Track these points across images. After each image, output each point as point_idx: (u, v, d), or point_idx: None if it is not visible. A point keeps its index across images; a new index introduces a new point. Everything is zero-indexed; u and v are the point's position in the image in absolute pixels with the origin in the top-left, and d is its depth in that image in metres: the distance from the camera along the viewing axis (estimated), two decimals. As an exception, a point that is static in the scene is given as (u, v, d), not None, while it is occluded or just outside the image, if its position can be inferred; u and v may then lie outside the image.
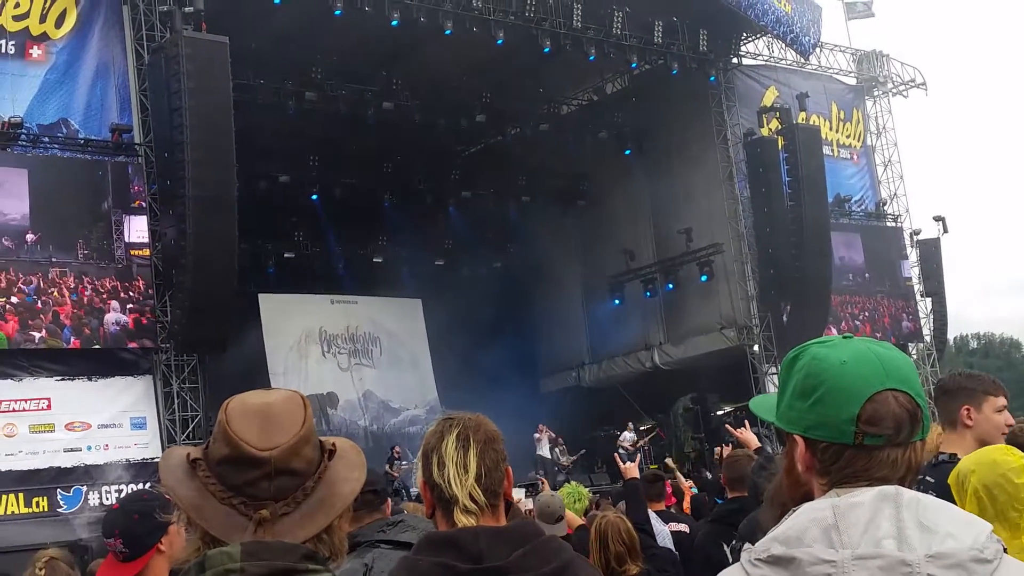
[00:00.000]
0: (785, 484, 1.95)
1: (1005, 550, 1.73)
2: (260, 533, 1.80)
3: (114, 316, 16.88)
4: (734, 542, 6.39)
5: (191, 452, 1.89)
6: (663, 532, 8.08)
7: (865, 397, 1.77)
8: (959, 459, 3.77)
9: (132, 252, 17.22)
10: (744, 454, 6.97)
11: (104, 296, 16.88)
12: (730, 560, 6.19)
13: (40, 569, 4.05)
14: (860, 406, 1.77)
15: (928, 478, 3.97)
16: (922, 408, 1.80)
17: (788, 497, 1.94)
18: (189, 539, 1.87)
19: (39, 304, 16.40)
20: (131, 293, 17.12)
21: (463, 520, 2.48)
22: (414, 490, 17.83)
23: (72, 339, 16.59)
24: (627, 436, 23.97)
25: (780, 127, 23.44)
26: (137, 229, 17.26)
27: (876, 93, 28.13)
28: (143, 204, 17.39)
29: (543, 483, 13.88)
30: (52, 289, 16.51)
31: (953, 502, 3.48)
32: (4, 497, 15.32)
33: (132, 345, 17.19)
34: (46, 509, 15.69)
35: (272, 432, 1.84)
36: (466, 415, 2.63)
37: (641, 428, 26.70)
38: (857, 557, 1.67)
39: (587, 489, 9.53)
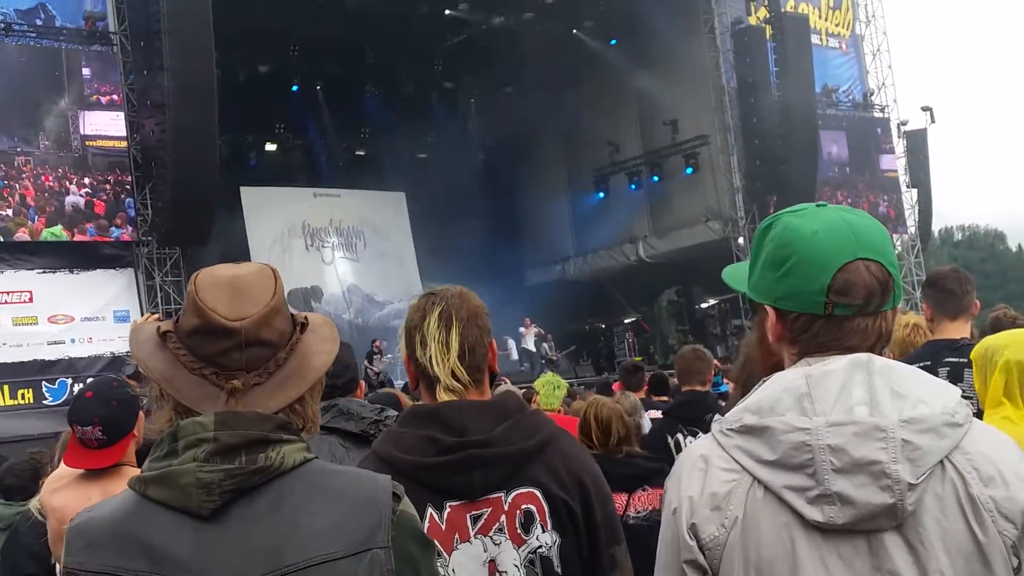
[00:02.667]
0: (757, 355, 1.95)
1: (979, 416, 1.74)
2: (232, 403, 1.79)
3: (72, 199, 16.77)
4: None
5: (161, 325, 1.88)
6: (644, 419, 8.19)
7: (836, 267, 1.75)
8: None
9: (88, 143, 16.98)
10: (689, 349, 7.05)
11: (64, 182, 16.76)
12: (674, 453, 6.30)
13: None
14: (831, 276, 1.75)
15: (952, 359, 4.13)
16: (894, 277, 1.78)
17: (759, 368, 1.93)
18: (161, 410, 1.86)
19: (6, 190, 16.29)
20: (87, 180, 16.96)
21: (445, 397, 2.48)
22: (399, 382, 18.00)
23: (37, 218, 16.46)
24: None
25: (768, 15, 23.11)
26: (93, 123, 16.98)
27: (866, -20, 27.69)
28: (113, 98, 17.09)
29: (505, 380, 13.95)
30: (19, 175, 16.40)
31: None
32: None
33: (108, 239, 17.08)
34: (31, 401, 15.79)
35: (242, 303, 1.82)
36: (449, 289, 2.62)
37: (627, 321, 26.91)
38: (831, 424, 1.67)
39: (572, 381, 9.61)
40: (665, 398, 8.81)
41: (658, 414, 8.10)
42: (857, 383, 1.71)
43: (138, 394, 3.81)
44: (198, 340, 1.81)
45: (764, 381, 1.80)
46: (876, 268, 1.77)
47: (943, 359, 4.19)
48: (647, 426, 7.88)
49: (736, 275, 2.02)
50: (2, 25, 16.42)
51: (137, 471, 3.45)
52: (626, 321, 26.95)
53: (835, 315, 1.77)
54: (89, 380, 15.97)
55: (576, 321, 27.33)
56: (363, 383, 3.87)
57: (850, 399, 1.70)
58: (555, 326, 25.33)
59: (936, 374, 3.73)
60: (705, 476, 1.76)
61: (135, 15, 16.79)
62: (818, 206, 1.86)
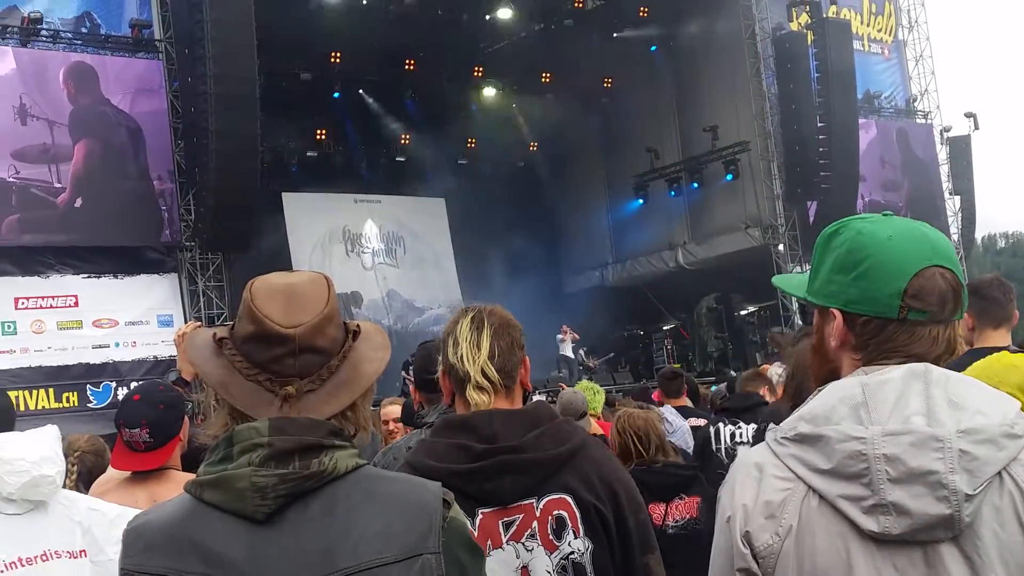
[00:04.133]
0: (814, 362, 1.94)
1: None
2: (286, 409, 1.82)
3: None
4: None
5: (217, 331, 1.91)
6: (683, 427, 8.17)
7: (912, 272, 1.76)
8: None
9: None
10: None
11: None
12: (718, 446, 6.36)
13: (72, 464, 4.11)
14: (907, 281, 1.76)
15: None
16: (963, 287, 1.79)
17: (814, 375, 1.93)
18: (216, 416, 1.89)
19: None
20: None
21: (475, 397, 2.51)
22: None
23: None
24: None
25: (810, 21, 22.96)
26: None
27: (909, -15, 27.46)
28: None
29: (562, 387, 14.01)
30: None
31: None
32: (36, 392, 15.59)
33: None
34: (76, 404, 15.99)
35: (296, 310, 1.85)
36: (484, 304, 2.68)
37: (665, 328, 26.80)
38: (887, 433, 1.67)
39: (610, 388, 9.62)
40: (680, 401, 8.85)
41: (700, 422, 8.08)
42: (914, 392, 1.71)
43: (185, 398, 3.85)
44: (253, 347, 1.84)
45: (820, 390, 1.79)
46: (950, 276, 1.78)
47: None
48: (680, 435, 7.87)
49: (789, 282, 2.02)
50: (49, 33, 16.64)
51: (182, 475, 3.50)
52: (665, 328, 26.83)
53: (908, 320, 1.77)
54: (135, 384, 16.27)
55: (615, 328, 27.25)
56: None
57: (907, 409, 1.69)
58: (593, 333, 25.27)
59: None
60: (759, 484, 1.76)
61: (180, 22, 16.98)
62: (884, 215, 1.86)
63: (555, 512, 2.43)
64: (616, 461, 2.65)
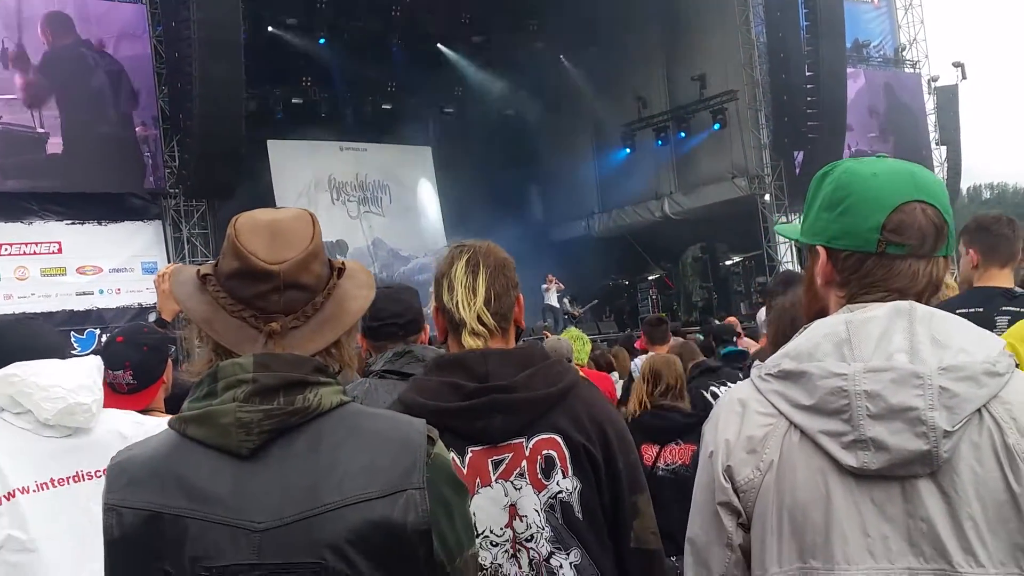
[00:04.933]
0: (804, 300, 1.95)
1: (1018, 366, 1.74)
2: (270, 345, 1.82)
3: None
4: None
5: (201, 268, 1.90)
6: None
7: (892, 207, 1.76)
8: None
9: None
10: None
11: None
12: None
13: None
14: (886, 215, 1.76)
15: (1011, 308, 3.94)
16: (948, 224, 1.78)
17: (804, 313, 1.94)
18: (200, 352, 1.89)
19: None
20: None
21: (471, 342, 2.51)
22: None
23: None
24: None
25: (800, -32, 22.75)
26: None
27: (900, -68, 27.25)
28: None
29: (546, 334, 14.02)
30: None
31: None
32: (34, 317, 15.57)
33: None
34: (60, 351, 15.92)
35: (281, 246, 1.84)
36: (477, 242, 2.66)
37: (651, 278, 26.87)
38: (869, 370, 1.68)
39: (595, 337, 9.66)
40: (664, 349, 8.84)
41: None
42: (898, 330, 1.72)
43: (168, 339, 3.85)
44: (237, 283, 1.84)
45: (806, 327, 1.81)
46: (932, 212, 1.77)
47: (999, 307, 3.99)
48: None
49: (789, 228, 2.03)
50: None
51: (166, 417, 3.50)
52: (650, 278, 26.90)
53: (887, 253, 1.78)
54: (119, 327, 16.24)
55: (600, 277, 27.29)
56: (427, 327, 3.81)
57: (890, 346, 1.70)
58: (579, 282, 25.29)
59: (993, 323, 3.70)
60: (742, 420, 1.77)
61: (163, -34, 16.75)
62: (878, 156, 1.87)
63: (544, 452, 2.43)
64: (607, 401, 2.66)
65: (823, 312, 1.86)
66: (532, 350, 2.58)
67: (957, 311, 3.85)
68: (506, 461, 2.44)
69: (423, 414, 2.33)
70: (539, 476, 2.43)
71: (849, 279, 1.81)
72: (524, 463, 2.43)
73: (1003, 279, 4.13)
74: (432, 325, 2.95)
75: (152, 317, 4.39)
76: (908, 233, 1.76)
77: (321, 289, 1.88)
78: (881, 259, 1.78)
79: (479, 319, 2.51)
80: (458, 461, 2.41)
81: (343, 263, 1.95)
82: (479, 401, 2.42)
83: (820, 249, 1.84)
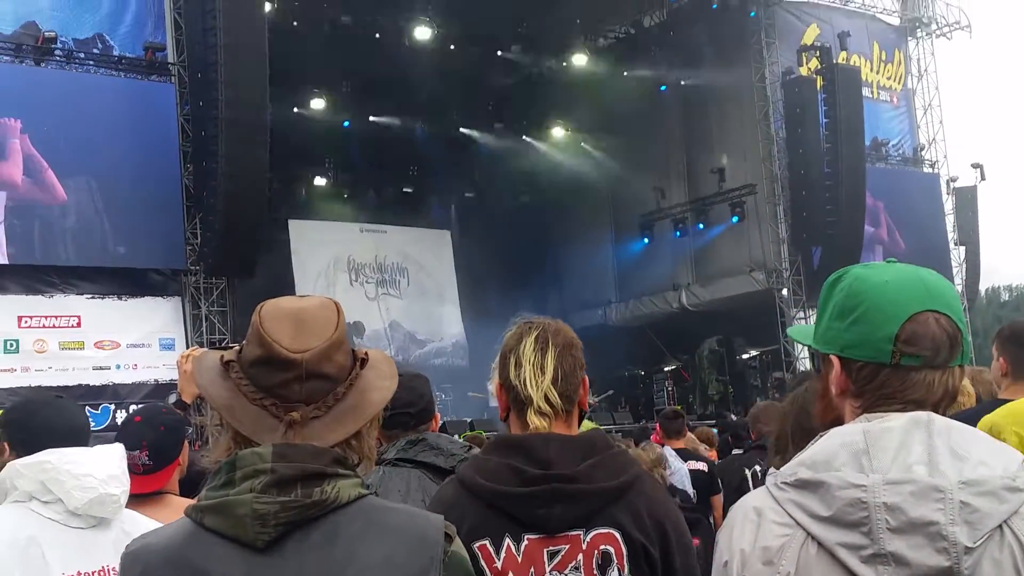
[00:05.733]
0: (817, 409, 1.94)
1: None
2: (290, 435, 1.82)
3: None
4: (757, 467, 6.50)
5: (225, 354, 1.91)
6: (681, 470, 8.15)
7: (905, 316, 1.75)
8: None
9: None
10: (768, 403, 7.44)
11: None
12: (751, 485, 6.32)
13: None
14: (899, 325, 1.75)
15: None
16: (963, 332, 1.77)
17: (819, 422, 1.93)
18: (221, 440, 1.89)
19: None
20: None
21: (536, 421, 2.47)
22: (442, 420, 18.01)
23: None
24: None
25: (820, 66, 23.04)
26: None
27: (919, 34, 27.53)
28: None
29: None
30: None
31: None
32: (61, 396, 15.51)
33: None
34: (75, 425, 15.87)
35: (305, 335, 1.84)
36: (546, 319, 2.62)
37: (667, 369, 26.75)
38: (888, 482, 1.66)
39: (610, 427, 9.59)
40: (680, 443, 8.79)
41: (699, 465, 8.06)
42: (916, 441, 1.70)
43: (185, 422, 3.85)
44: (260, 371, 1.84)
45: (821, 435, 1.79)
46: (945, 321, 1.76)
47: None
48: (679, 477, 7.85)
49: (802, 332, 2.02)
50: (62, 54, 16.73)
51: (179, 499, 3.49)
52: (666, 369, 26.77)
53: (902, 365, 1.76)
54: (136, 406, 16.22)
55: (616, 367, 27.16)
56: (439, 415, 3.78)
57: (909, 457, 1.68)
58: (595, 371, 25.10)
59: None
60: (758, 529, 1.75)
61: (193, 46, 17.04)
62: (888, 262, 1.86)
63: (602, 547, 2.39)
64: (668, 498, 2.62)
65: (838, 421, 1.84)
66: (595, 438, 2.54)
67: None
68: (562, 553, 2.40)
69: (482, 494, 2.29)
70: (595, 571, 2.39)
71: (864, 390, 1.79)
72: (580, 557, 2.39)
73: None
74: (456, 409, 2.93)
75: (172, 398, 4.39)
76: (922, 344, 1.75)
77: (343, 379, 1.88)
78: (896, 370, 1.76)
79: (546, 398, 2.47)
80: (513, 548, 2.38)
81: (366, 353, 1.96)
82: (540, 489, 2.38)
83: (834, 358, 1.83)
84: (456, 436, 5.84)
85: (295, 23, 21.42)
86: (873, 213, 24.43)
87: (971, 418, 3.97)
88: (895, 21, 27.36)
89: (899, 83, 26.96)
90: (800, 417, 3.03)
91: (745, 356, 25.59)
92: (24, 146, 16.13)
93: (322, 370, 1.84)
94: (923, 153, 27.12)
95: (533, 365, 2.48)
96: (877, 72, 26.26)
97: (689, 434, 9.12)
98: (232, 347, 1.93)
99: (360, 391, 1.89)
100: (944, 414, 1.77)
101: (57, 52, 16.62)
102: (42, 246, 16.40)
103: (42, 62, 16.62)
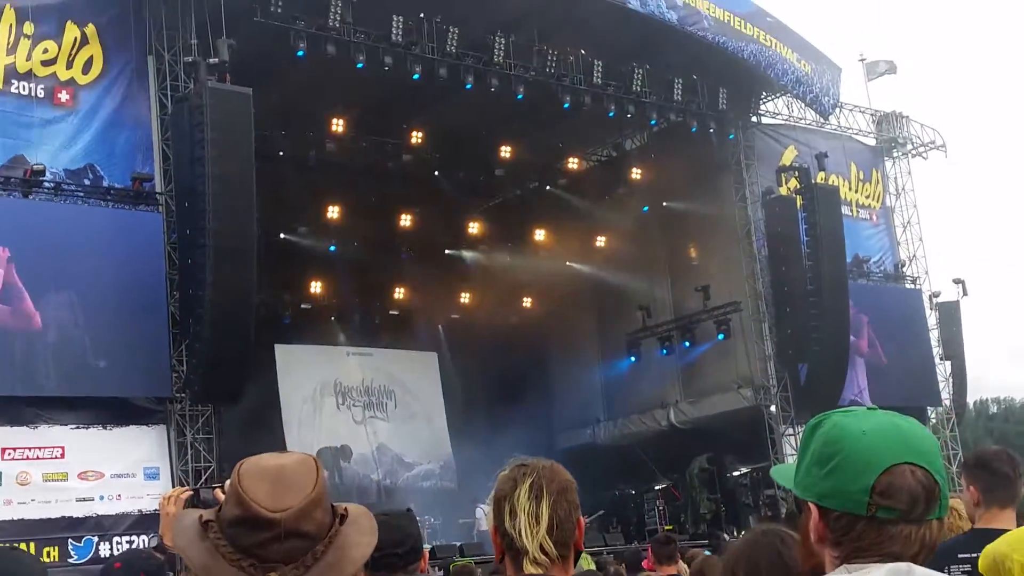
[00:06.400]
0: (800, 553, 1.93)
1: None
2: (269, 597, 1.79)
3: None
4: None
5: (204, 514, 1.89)
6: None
7: (881, 468, 1.75)
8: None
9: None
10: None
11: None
12: None
13: None
14: (875, 477, 1.74)
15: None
16: (940, 486, 1.77)
17: (801, 566, 1.92)
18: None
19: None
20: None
21: (531, 569, 2.47)
22: (427, 545, 17.75)
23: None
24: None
25: (799, 186, 23.47)
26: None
27: (895, 154, 28.15)
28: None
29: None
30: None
31: None
32: (17, 546, 15.25)
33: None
34: (57, 559, 15.59)
35: (283, 494, 1.83)
36: (540, 462, 2.61)
37: (657, 488, 26.51)
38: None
39: (601, 548, 9.46)
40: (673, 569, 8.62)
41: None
42: (899, 592, 1.69)
43: (166, 567, 3.80)
44: (238, 531, 1.83)
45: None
46: (922, 474, 1.76)
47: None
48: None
49: (784, 473, 2.02)
50: (52, 185, 16.92)
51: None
52: (657, 488, 26.53)
53: (877, 517, 1.75)
54: (119, 538, 15.99)
55: (606, 486, 26.93)
56: (427, 554, 3.73)
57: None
58: (584, 491, 24.69)
59: None
60: None
61: (181, 177, 17.24)
62: (869, 409, 1.87)
63: None
64: None
65: (819, 567, 1.83)
66: None
67: (959, 555, 3.80)
68: None
69: None
70: None
71: (840, 540, 1.79)
72: None
73: (1005, 520, 3.94)
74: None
75: (154, 542, 4.34)
76: (898, 497, 1.74)
77: (323, 536, 1.86)
78: (871, 522, 1.75)
79: (541, 548, 2.46)
80: None
81: (346, 509, 1.94)
82: None
83: (812, 506, 1.83)
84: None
85: (280, 152, 21.76)
86: (856, 325, 24.58)
87: (964, 544, 3.93)
88: (871, 142, 27.99)
89: (878, 201, 27.42)
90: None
91: (736, 473, 25.42)
92: (8, 275, 16.20)
93: (301, 528, 1.82)
94: (904, 269, 27.44)
95: (528, 515, 2.47)
96: (856, 191, 26.74)
97: (680, 562, 8.98)
98: (216, 486, 1.91)
99: (340, 548, 1.87)
100: (924, 565, 1.76)
101: (45, 184, 16.80)
102: (24, 371, 16.32)
103: (30, 194, 16.79)
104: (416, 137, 23.89)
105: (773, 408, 23.95)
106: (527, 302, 29.09)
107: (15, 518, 15.60)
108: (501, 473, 2.60)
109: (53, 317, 16.49)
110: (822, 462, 1.81)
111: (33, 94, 16.90)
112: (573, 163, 27.15)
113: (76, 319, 16.69)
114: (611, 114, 22.56)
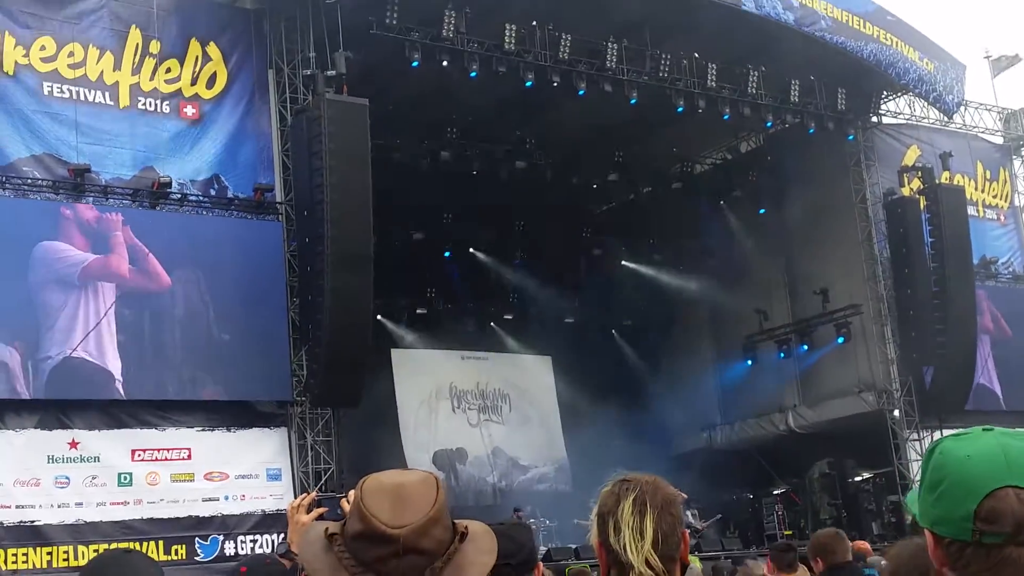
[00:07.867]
0: None
1: None
2: (387, 610, 1.84)
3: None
4: None
5: (330, 527, 1.95)
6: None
7: (984, 493, 1.71)
8: None
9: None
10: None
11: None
12: None
13: None
14: (977, 502, 1.71)
15: None
16: None
17: None
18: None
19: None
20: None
21: None
22: (542, 548, 17.80)
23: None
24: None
25: (922, 187, 22.88)
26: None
27: (1024, 152, 27.24)
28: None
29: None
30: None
31: None
32: (146, 544, 15.78)
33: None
34: (184, 557, 16.12)
35: (403, 511, 1.88)
36: (643, 477, 2.63)
37: (776, 492, 26.11)
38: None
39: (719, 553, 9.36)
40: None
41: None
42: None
43: (292, 572, 3.90)
44: (360, 545, 1.88)
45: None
46: None
47: None
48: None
49: (912, 499, 2.00)
50: (178, 196, 17.48)
51: None
52: (775, 492, 26.12)
53: (983, 543, 1.73)
54: (243, 537, 16.44)
55: (723, 491, 26.61)
56: (541, 565, 3.74)
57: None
58: (701, 495, 24.70)
59: None
60: None
61: (300, 186, 17.65)
62: (984, 430, 1.83)
63: None
64: None
65: None
66: None
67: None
68: None
69: None
70: None
71: (956, 566, 1.76)
72: None
73: None
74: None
75: (282, 549, 4.45)
76: (1002, 522, 1.69)
77: (441, 553, 1.90)
78: (979, 548, 1.72)
79: (647, 563, 2.47)
80: None
81: (467, 527, 1.98)
82: None
83: (928, 533, 1.81)
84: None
85: (396, 159, 22.09)
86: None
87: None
88: (999, 140, 27.10)
89: (1006, 201, 26.54)
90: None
91: (858, 479, 24.88)
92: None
93: (420, 545, 1.86)
94: (1035, 270, 26.49)
95: (632, 529, 2.48)
96: (982, 191, 25.92)
97: (801, 567, 8.83)
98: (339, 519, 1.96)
99: (457, 566, 1.91)
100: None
101: (172, 195, 17.37)
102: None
103: (157, 205, 17.38)
104: (529, 143, 23.99)
105: (896, 412, 23.36)
106: (642, 305, 28.93)
107: (145, 517, 16.16)
108: (603, 489, 2.61)
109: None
110: (932, 488, 1.79)
111: (159, 109, 17.49)
112: (687, 167, 26.93)
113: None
114: (726, 116, 22.25)
